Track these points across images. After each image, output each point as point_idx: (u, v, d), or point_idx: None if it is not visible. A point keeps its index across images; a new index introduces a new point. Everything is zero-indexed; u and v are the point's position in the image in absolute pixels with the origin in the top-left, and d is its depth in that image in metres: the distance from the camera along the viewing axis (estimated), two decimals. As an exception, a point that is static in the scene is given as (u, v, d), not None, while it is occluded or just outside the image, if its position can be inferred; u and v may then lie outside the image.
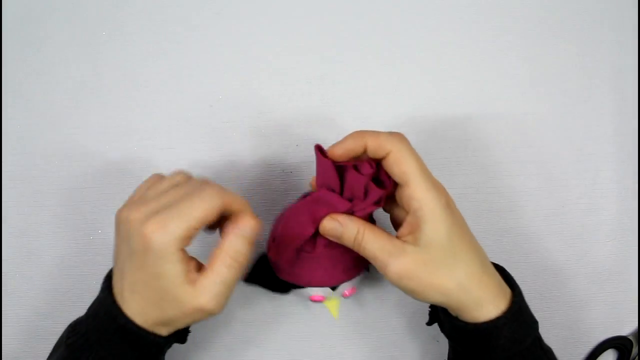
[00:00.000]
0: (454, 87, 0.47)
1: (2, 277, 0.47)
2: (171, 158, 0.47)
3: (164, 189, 0.36)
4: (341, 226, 0.36)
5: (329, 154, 0.36)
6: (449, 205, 0.34)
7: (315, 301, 0.40)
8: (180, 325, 0.36)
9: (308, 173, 0.47)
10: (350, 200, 0.36)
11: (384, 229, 0.36)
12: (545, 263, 0.48)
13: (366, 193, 0.35)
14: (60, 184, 0.47)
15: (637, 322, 0.49)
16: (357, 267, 0.40)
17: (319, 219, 0.36)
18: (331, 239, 0.37)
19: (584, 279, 0.49)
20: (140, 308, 0.34)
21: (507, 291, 0.37)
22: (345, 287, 0.40)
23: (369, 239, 0.35)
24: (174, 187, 0.35)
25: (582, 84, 0.48)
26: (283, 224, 0.38)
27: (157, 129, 0.47)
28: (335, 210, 0.36)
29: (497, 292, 0.36)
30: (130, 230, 0.33)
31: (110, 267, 0.40)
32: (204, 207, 0.33)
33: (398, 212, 0.37)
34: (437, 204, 0.33)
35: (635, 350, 0.49)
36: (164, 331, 0.35)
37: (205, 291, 0.33)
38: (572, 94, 0.48)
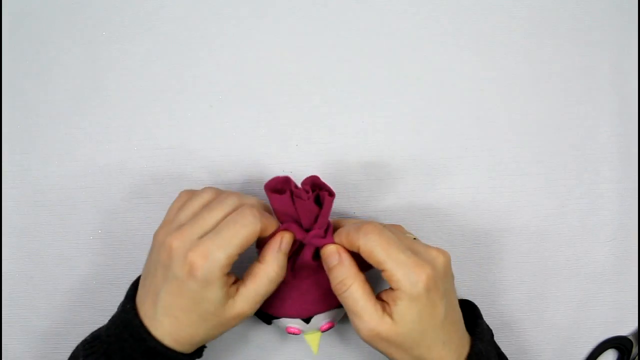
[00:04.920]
0: (454, 87, 0.47)
1: (2, 277, 0.47)
2: (171, 158, 0.47)
3: (196, 209, 0.37)
4: (338, 262, 0.37)
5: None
6: (427, 288, 0.35)
7: (292, 333, 0.41)
8: (211, 338, 0.38)
9: (308, 173, 0.47)
10: (308, 230, 0.38)
11: (369, 286, 0.37)
12: (545, 263, 0.48)
13: (316, 219, 0.38)
14: (60, 184, 0.47)
15: (637, 322, 0.49)
16: (329, 300, 0.40)
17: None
18: (324, 263, 0.38)
19: (584, 279, 0.49)
20: (172, 329, 0.36)
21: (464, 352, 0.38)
22: (320, 321, 0.40)
23: (356, 293, 0.36)
24: (208, 208, 0.36)
25: (582, 84, 0.48)
26: None
27: (157, 128, 0.47)
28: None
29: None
30: (172, 258, 0.34)
31: (129, 281, 0.40)
32: (245, 234, 0.34)
33: None
34: (414, 287, 0.34)
35: (635, 350, 0.49)
36: (190, 349, 0.37)
37: (245, 299, 0.36)
38: (572, 94, 0.48)
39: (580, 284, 0.49)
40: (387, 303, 0.36)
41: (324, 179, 0.45)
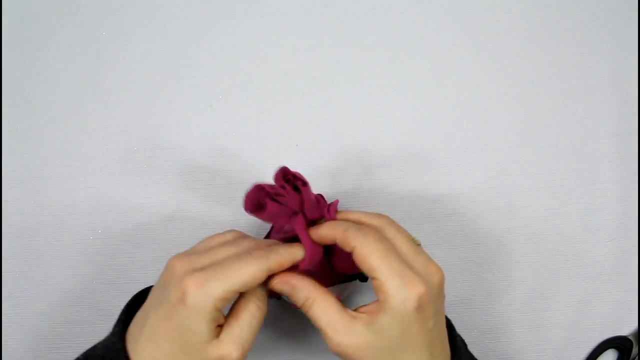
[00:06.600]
0: (454, 87, 0.47)
1: (2, 277, 0.47)
2: (171, 158, 0.47)
3: (213, 244, 0.36)
4: (293, 289, 0.35)
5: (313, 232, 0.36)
6: (417, 307, 0.32)
7: (297, 308, 0.41)
8: None
9: (308, 173, 0.47)
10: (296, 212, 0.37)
11: (336, 299, 0.35)
12: (545, 263, 0.48)
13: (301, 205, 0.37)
14: (60, 184, 0.47)
15: (637, 322, 0.49)
16: (331, 276, 0.39)
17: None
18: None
19: (584, 279, 0.49)
20: (151, 357, 0.34)
21: None
22: None
23: (317, 310, 0.34)
24: (223, 245, 0.36)
25: (582, 84, 0.48)
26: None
27: (157, 129, 0.47)
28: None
29: None
30: (170, 279, 0.34)
31: (123, 302, 0.39)
32: (247, 272, 0.33)
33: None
34: (402, 305, 0.32)
35: (635, 350, 0.49)
36: None
37: (231, 339, 0.34)
38: (572, 94, 0.48)
39: (580, 284, 0.49)
40: (369, 313, 0.33)
41: (324, 178, 0.45)
